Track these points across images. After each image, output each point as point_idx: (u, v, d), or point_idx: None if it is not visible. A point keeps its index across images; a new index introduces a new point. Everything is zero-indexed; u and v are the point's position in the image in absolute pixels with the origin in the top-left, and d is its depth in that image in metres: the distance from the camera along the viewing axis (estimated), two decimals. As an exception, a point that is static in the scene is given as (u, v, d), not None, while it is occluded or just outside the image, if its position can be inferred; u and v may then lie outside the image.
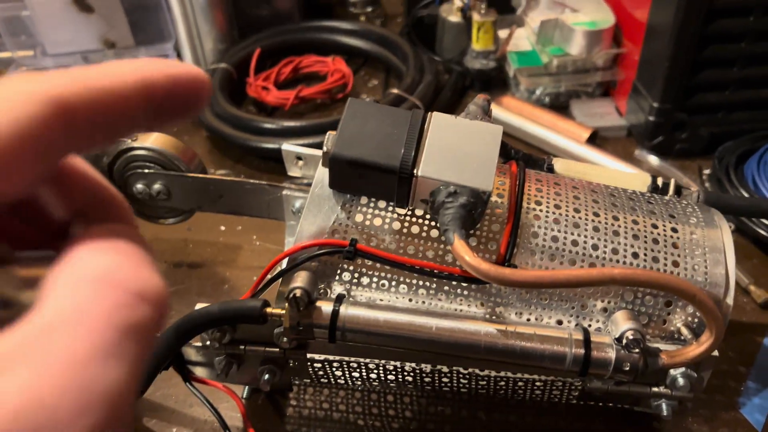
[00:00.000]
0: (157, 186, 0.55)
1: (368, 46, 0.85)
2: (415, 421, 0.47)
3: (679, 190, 0.46)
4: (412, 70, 0.77)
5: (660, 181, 0.46)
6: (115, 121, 0.18)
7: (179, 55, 0.89)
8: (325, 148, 0.38)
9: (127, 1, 0.86)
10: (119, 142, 0.55)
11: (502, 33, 0.81)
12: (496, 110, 0.75)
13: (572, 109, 0.76)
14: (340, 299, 0.38)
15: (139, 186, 0.55)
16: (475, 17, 0.78)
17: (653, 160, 0.69)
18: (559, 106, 0.78)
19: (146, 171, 0.55)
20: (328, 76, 0.82)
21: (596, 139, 0.72)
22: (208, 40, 0.88)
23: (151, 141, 0.55)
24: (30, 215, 0.19)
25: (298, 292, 0.37)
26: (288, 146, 0.52)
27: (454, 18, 0.81)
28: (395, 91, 0.74)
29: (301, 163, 0.55)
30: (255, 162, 0.72)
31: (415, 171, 0.36)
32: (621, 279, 0.34)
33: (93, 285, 0.16)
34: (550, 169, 0.47)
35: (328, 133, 0.38)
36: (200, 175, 0.55)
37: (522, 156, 0.47)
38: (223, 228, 0.64)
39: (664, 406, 0.41)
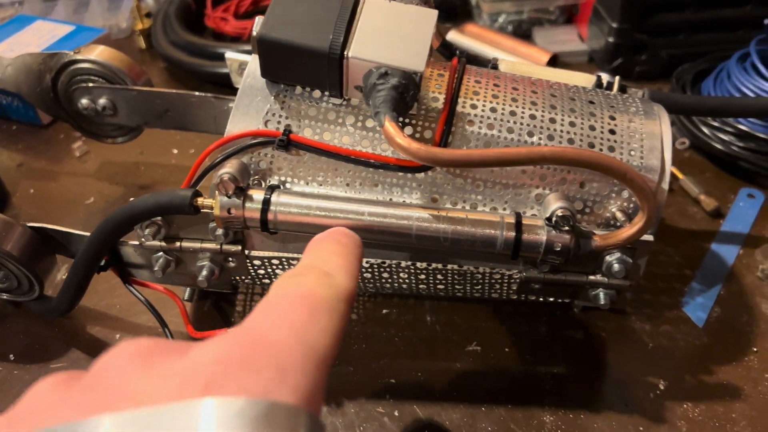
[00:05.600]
0: (102, 101, 0.54)
1: (330, -23, 0.83)
2: (360, 324, 0.46)
3: (624, 89, 0.45)
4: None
5: (605, 80, 0.45)
6: None
7: (138, -10, 0.87)
8: (254, 32, 0.37)
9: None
10: (61, 55, 0.54)
11: (465, -40, 0.79)
12: (458, 37, 0.74)
13: (535, 36, 0.75)
14: (272, 188, 0.38)
15: (84, 101, 0.54)
16: (437, -57, 0.76)
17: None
18: (522, 34, 0.77)
19: (90, 85, 0.54)
20: (289, 7, 0.80)
21: (557, 65, 0.72)
22: (167, -28, 0.86)
23: (96, 54, 0.54)
24: None
25: (225, 176, 0.36)
26: (232, 54, 0.51)
27: (416, -55, 0.79)
28: (354, 17, 0.72)
29: (247, 73, 0.53)
30: (212, 89, 0.70)
31: (345, 52, 0.36)
32: (551, 156, 0.34)
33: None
34: (495, 69, 0.47)
35: (257, 17, 0.37)
36: (145, 89, 0.54)
37: (466, 55, 0.47)
38: (175, 151, 0.63)
39: (601, 296, 0.41)
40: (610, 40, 0.67)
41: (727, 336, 0.45)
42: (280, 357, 0.19)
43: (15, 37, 0.71)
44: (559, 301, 0.44)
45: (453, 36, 0.74)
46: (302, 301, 0.22)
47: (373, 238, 0.38)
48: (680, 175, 0.57)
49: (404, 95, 0.36)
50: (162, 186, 0.59)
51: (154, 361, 0.20)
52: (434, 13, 0.38)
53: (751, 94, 0.57)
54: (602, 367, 0.43)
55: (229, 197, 0.37)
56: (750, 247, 0.51)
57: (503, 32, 0.76)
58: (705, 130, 0.59)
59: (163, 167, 0.62)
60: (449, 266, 0.41)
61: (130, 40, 0.82)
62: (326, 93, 0.39)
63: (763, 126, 0.57)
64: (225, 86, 0.69)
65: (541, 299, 0.44)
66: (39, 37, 0.71)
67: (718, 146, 0.58)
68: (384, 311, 0.47)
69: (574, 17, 0.77)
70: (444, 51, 0.47)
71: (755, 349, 0.44)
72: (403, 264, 0.41)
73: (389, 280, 0.43)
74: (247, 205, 0.37)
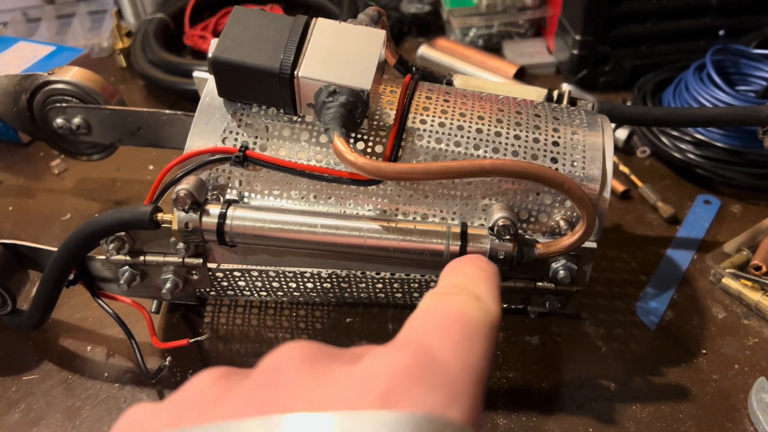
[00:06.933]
0: (76, 120, 0.56)
1: (305, -6, 0.86)
2: (324, 332, 0.48)
3: (573, 102, 0.47)
4: (345, 14, 0.78)
5: (555, 93, 0.47)
6: None
7: (119, 10, 0.89)
8: (209, 54, 0.39)
9: (63, -46, 0.86)
10: (36, 76, 0.55)
11: (436, -24, 0.81)
12: (429, 51, 0.76)
13: (504, 49, 0.77)
14: (229, 202, 0.39)
15: (59, 120, 0.56)
16: (408, -40, 0.78)
17: (578, 93, 0.70)
18: (492, 47, 0.79)
19: (64, 105, 0.55)
20: (266, 24, 0.82)
21: (525, 77, 0.74)
22: (147, -8, 0.88)
23: (70, 75, 0.55)
24: None
25: (182, 192, 0.38)
26: (199, 73, 0.53)
27: (389, -37, 0.82)
28: (327, 33, 0.74)
29: (216, 92, 0.55)
30: (189, 106, 0.72)
31: (295, 72, 0.37)
32: (491, 169, 0.36)
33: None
34: (450, 84, 0.48)
35: (212, 40, 0.39)
36: (118, 108, 0.55)
37: (421, 72, 0.48)
38: (151, 167, 0.65)
39: (550, 301, 0.42)
40: (575, 52, 0.69)
41: (677, 339, 0.46)
42: (450, 376, 0.20)
43: (-3, 58, 0.73)
44: (513, 307, 0.45)
45: (425, 50, 0.76)
46: (459, 321, 0.23)
47: (327, 249, 0.39)
48: (639, 183, 0.58)
49: (353, 112, 0.37)
50: (138, 201, 0.61)
51: (326, 366, 0.20)
52: (382, 33, 0.40)
53: (708, 105, 0.59)
54: (555, 370, 0.45)
55: (186, 212, 0.38)
56: (704, 252, 0.53)
57: (474, 46, 0.78)
58: (664, 139, 0.60)
59: (140, 183, 0.63)
60: (400, 276, 0.42)
61: (111, 58, 0.84)
62: (281, 110, 0.41)
63: (719, 135, 0.58)
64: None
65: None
66: (20, 57, 0.73)
67: (676, 155, 0.59)
68: (348, 320, 0.49)
69: (543, 30, 0.79)
70: (400, 68, 0.48)
71: (704, 351, 0.45)
72: (359, 274, 0.42)
73: (348, 290, 0.44)
74: (204, 219, 0.39)
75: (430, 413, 0.18)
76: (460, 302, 0.24)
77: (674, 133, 0.60)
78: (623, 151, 0.63)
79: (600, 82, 0.70)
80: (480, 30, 0.78)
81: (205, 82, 0.55)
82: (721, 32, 0.61)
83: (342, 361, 0.20)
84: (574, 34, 0.68)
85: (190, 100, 0.72)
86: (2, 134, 0.69)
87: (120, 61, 0.82)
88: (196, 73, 0.53)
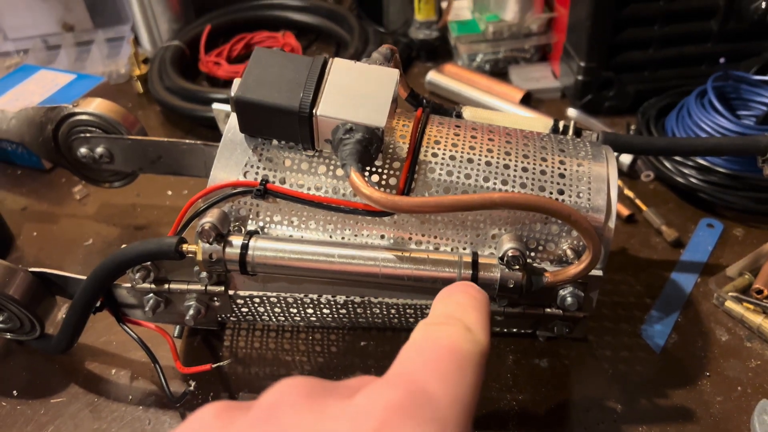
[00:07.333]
0: (99, 149, 0.58)
1: (317, 21, 0.88)
2: (340, 356, 0.50)
3: (579, 132, 0.49)
4: (356, 41, 0.80)
5: (561, 124, 0.49)
6: None
7: (136, 37, 0.91)
8: (231, 94, 0.41)
9: (82, -16, 0.89)
10: (61, 108, 0.58)
11: (444, 3, 0.83)
12: (437, 77, 0.78)
13: (510, 74, 0.79)
14: (251, 234, 0.41)
15: (83, 150, 0.58)
16: (416, -12, 0.81)
17: (583, 118, 0.72)
18: (499, 72, 0.81)
19: (88, 135, 0.58)
20: (278, 51, 0.85)
21: (531, 101, 0.76)
22: (162, 20, 0.91)
23: (93, 106, 0.58)
24: None
25: (206, 225, 0.40)
26: (218, 105, 0.55)
27: (398, -10, 0.84)
28: (338, 60, 0.76)
29: (233, 122, 0.57)
30: (204, 132, 0.75)
31: (314, 111, 0.39)
32: (500, 202, 0.37)
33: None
34: (459, 116, 0.50)
35: (234, 80, 0.41)
36: (139, 137, 0.58)
37: (432, 104, 0.50)
38: (170, 193, 0.67)
39: (558, 327, 0.44)
40: (579, 78, 0.71)
41: (682, 361, 0.48)
42: (440, 411, 0.21)
43: (20, 87, 0.76)
44: (522, 331, 0.47)
45: (433, 76, 0.78)
46: (450, 354, 0.24)
47: (343, 278, 0.41)
48: (644, 207, 0.60)
49: (368, 148, 0.39)
50: (157, 226, 0.63)
51: (323, 401, 0.21)
52: (396, 72, 0.42)
53: (710, 131, 0.61)
54: (564, 392, 0.46)
55: (210, 244, 0.40)
56: (707, 276, 0.54)
57: (480, 71, 0.80)
58: (667, 164, 0.62)
59: (159, 208, 0.65)
60: (413, 302, 0.44)
61: (129, 84, 0.86)
62: (299, 145, 0.43)
63: (721, 160, 0.60)
64: (214, 128, 0.73)
65: (505, 330, 0.47)
66: (42, 86, 0.76)
67: (679, 179, 0.61)
68: (362, 343, 0.50)
69: (548, 55, 0.81)
70: (411, 101, 0.50)
71: (708, 374, 0.47)
72: (374, 300, 0.44)
73: (364, 315, 0.46)
74: (227, 250, 0.41)
75: None
76: (451, 334, 0.25)
77: (677, 158, 0.62)
78: (628, 175, 0.65)
79: (604, 107, 0.72)
80: (487, 55, 0.80)
81: (223, 112, 0.57)
82: (722, 60, 0.62)
83: (338, 396, 0.22)
84: (579, 61, 0.70)
85: (206, 126, 0.75)
86: (25, 161, 0.72)
87: (137, 87, 0.85)
88: (215, 105, 0.56)
